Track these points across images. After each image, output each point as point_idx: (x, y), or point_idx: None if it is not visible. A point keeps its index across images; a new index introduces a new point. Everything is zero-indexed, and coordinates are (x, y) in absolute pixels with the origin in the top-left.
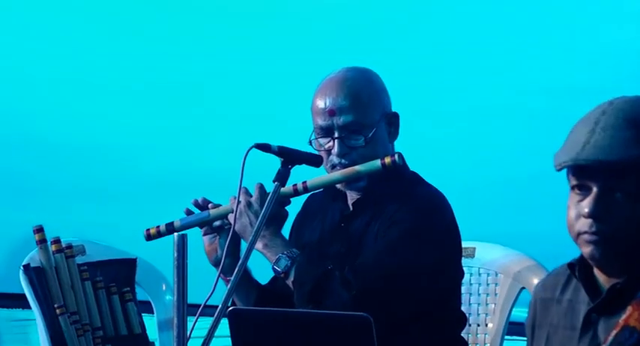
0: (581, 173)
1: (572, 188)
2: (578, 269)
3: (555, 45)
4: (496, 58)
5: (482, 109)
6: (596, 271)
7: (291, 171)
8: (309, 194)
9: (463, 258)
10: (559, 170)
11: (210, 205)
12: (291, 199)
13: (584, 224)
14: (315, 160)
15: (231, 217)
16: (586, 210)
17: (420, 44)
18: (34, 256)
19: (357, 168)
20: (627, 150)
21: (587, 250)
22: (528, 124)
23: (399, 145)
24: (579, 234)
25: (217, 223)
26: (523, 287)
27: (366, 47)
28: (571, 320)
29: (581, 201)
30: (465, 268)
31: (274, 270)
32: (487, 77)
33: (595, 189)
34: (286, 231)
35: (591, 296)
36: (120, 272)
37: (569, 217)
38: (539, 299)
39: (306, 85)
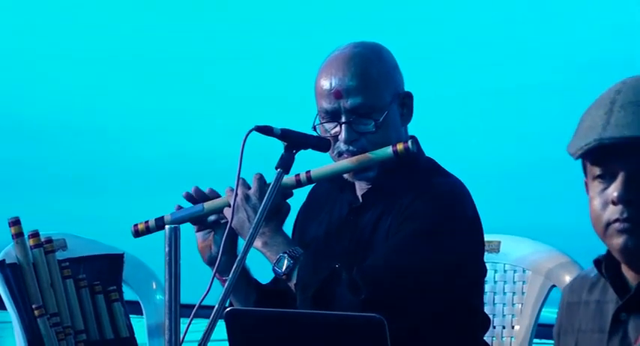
0: (605, 157)
1: (594, 178)
2: (605, 266)
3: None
4: (524, 34)
5: (508, 89)
6: (624, 268)
7: (296, 156)
8: (313, 185)
9: (486, 254)
10: (577, 157)
11: (207, 192)
12: (294, 191)
13: (613, 211)
14: (322, 144)
15: (227, 211)
16: (615, 194)
17: (435, 17)
18: (9, 251)
19: (367, 155)
20: None
21: (618, 241)
22: (561, 105)
23: (412, 128)
24: (608, 224)
25: (212, 218)
26: (553, 285)
27: (376, 19)
28: (599, 322)
29: (606, 188)
30: (488, 264)
31: (275, 272)
32: (515, 54)
33: (622, 173)
34: (288, 224)
35: (619, 294)
36: (105, 269)
37: (593, 209)
38: (565, 304)
39: (311, 61)
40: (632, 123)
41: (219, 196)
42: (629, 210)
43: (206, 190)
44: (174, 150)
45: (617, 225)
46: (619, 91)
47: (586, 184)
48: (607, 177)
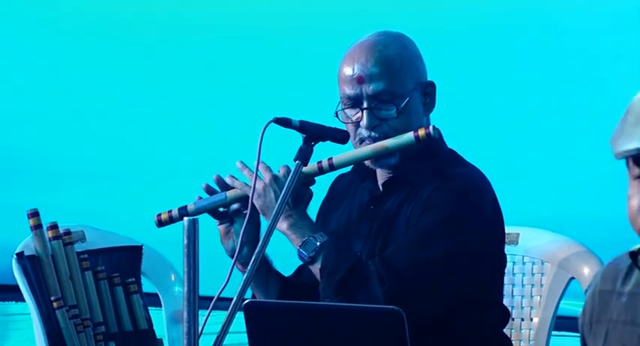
0: None
1: (635, 178)
2: None
3: None
4: (549, 21)
5: (530, 80)
6: None
7: (315, 148)
8: (335, 173)
9: (506, 245)
10: (619, 159)
11: (227, 179)
12: (316, 179)
13: None
14: (340, 136)
15: (250, 192)
16: None
17: (457, 5)
18: (28, 243)
19: (388, 141)
20: None
21: None
22: (581, 95)
23: (434, 119)
24: None
25: (235, 206)
26: (572, 278)
27: (399, 10)
28: (632, 314)
29: None
30: (507, 256)
31: (299, 254)
32: (537, 41)
33: None
34: (312, 215)
35: None
36: (124, 261)
37: (631, 208)
38: (598, 292)
39: (331, 53)
40: None
41: (239, 182)
42: None
43: (226, 178)
44: (194, 143)
45: None
46: None
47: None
48: None
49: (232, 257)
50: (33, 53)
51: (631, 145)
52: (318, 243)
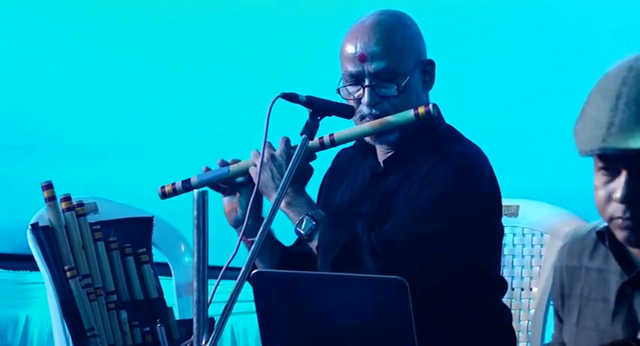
0: (608, 157)
1: (599, 169)
2: (609, 238)
3: None
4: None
5: (528, 53)
6: None
7: (320, 123)
8: (337, 149)
9: (505, 217)
10: (583, 156)
11: (230, 160)
12: (317, 154)
13: (616, 209)
14: (346, 111)
15: (252, 171)
16: (617, 195)
17: None
18: (42, 214)
19: (389, 118)
20: None
21: (621, 235)
22: (580, 66)
23: (433, 96)
24: (612, 218)
25: (239, 179)
26: None
27: None
28: (603, 291)
29: (610, 182)
30: (507, 228)
31: (297, 232)
32: (532, 17)
33: (625, 172)
34: (314, 190)
35: (624, 268)
36: (135, 232)
37: (597, 198)
38: (565, 267)
39: (334, 30)
40: (636, 130)
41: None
42: (631, 210)
43: (229, 161)
44: (201, 117)
45: (619, 221)
46: (625, 83)
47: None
48: (611, 171)
49: (236, 228)
50: (45, 31)
51: (589, 145)
52: (314, 222)
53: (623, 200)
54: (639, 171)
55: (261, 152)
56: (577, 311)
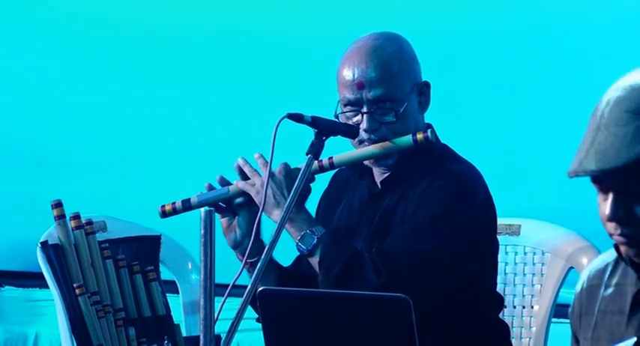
0: (595, 178)
1: (596, 188)
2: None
3: None
4: (540, 17)
5: (530, 70)
6: None
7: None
8: (334, 171)
9: (507, 236)
10: (570, 178)
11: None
12: (316, 176)
13: (610, 226)
14: (350, 131)
15: (251, 190)
16: (606, 213)
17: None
18: (52, 232)
19: (388, 143)
20: (630, 149)
21: (622, 250)
22: (579, 88)
23: (434, 115)
24: (611, 235)
25: (238, 200)
26: (571, 267)
27: (396, 7)
28: (619, 303)
29: (604, 200)
30: (509, 247)
31: (298, 248)
32: (532, 41)
33: (611, 192)
34: (311, 209)
35: (639, 274)
36: (143, 250)
37: (601, 213)
38: (585, 289)
39: (335, 51)
40: (610, 150)
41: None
42: (622, 227)
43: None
44: (208, 137)
45: (616, 237)
46: (608, 103)
47: None
48: (603, 190)
49: (234, 248)
50: (53, 48)
51: (572, 166)
52: (316, 237)
53: (611, 218)
54: (624, 189)
55: (257, 172)
56: (592, 326)
